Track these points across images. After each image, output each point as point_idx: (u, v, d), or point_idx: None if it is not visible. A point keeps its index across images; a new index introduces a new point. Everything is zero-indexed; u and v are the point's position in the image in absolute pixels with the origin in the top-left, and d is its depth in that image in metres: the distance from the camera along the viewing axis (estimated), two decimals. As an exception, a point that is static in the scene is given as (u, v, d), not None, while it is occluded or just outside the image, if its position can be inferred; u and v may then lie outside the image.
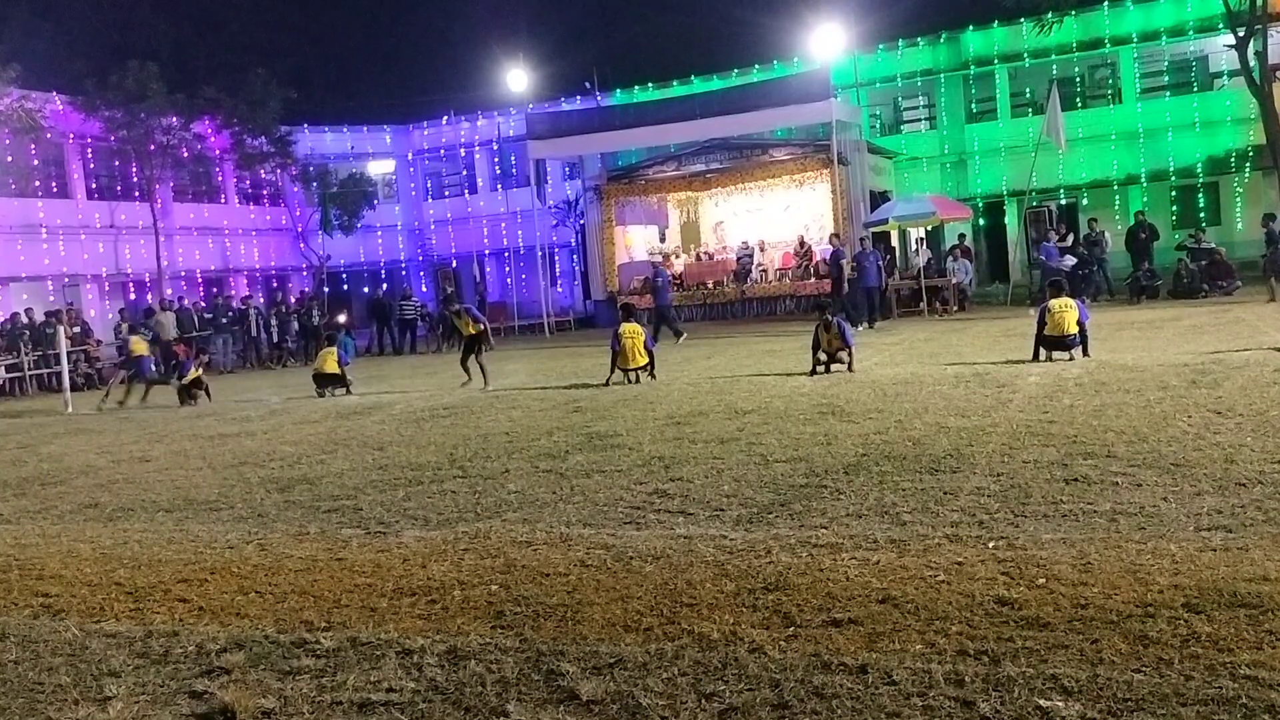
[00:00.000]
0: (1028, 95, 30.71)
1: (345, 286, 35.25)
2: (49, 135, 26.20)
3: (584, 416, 10.34)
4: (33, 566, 5.96)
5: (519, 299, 34.24)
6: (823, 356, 12.49)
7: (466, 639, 4.14)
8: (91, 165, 29.29)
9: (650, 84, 33.34)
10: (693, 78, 32.64)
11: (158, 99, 27.46)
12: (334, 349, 15.35)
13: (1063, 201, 29.40)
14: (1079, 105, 29.31)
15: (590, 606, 4.41)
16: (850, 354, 12.45)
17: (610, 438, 8.81)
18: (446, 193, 38.83)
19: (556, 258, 35.51)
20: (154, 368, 17.24)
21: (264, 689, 3.79)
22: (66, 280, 27.93)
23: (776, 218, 29.23)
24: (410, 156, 38.16)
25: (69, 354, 18.86)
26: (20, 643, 4.55)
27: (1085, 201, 28.99)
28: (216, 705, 3.68)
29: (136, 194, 29.63)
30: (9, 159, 26.74)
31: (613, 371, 13.15)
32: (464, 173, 38.46)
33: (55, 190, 28.33)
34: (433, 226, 38.11)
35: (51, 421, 14.95)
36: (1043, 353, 11.85)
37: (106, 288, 29.09)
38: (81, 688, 3.96)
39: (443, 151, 38.17)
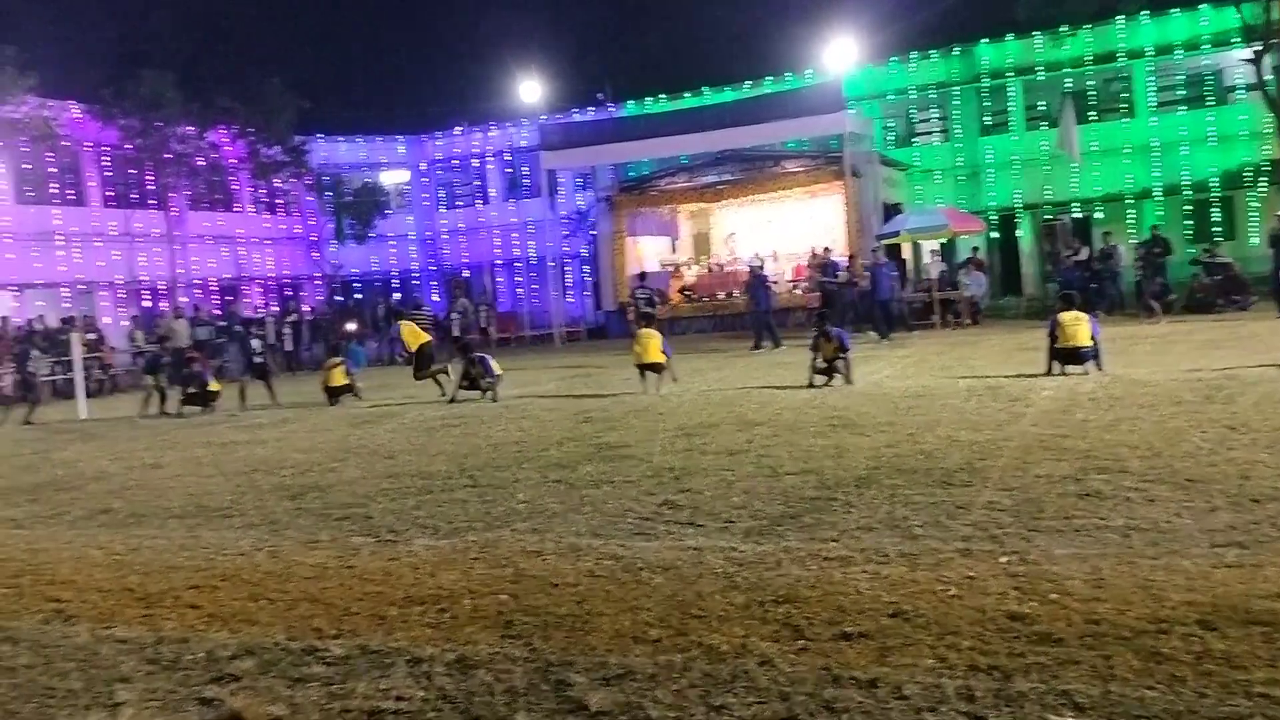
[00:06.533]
0: (1041, 108, 30.66)
1: (358, 295, 35.36)
2: (66, 143, 26.38)
3: (594, 427, 10.34)
4: (45, 572, 5.98)
5: (530, 309, 34.27)
6: (821, 364, 12.47)
7: (475, 648, 4.14)
8: (107, 173, 29.45)
9: (663, 95, 33.38)
10: (705, 89, 32.67)
11: (173, 108, 27.64)
12: (341, 360, 15.39)
13: (1076, 215, 29.30)
14: (1093, 118, 29.23)
15: (599, 617, 4.40)
16: (847, 364, 12.39)
17: (620, 448, 8.81)
18: (459, 203, 38.91)
19: (568, 268, 35.54)
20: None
21: (274, 696, 3.80)
22: (82, 287, 28.08)
23: (789, 229, 29.23)
24: (423, 166, 38.27)
25: (83, 361, 18.95)
26: (32, 648, 4.57)
27: (1099, 215, 28.89)
28: (226, 712, 3.68)
29: (152, 202, 29.79)
30: (26, 166, 26.94)
31: (643, 378, 13.24)
32: (476, 183, 38.54)
33: (71, 198, 28.48)
34: (445, 236, 38.20)
35: (66, 428, 15.02)
36: (1056, 366, 11.80)
37: (121, 295, 29.24)
38: (92, 693, 3.97)
39: (455, 162, 38.26)
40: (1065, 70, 29.01)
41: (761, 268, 27.90)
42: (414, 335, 15.69)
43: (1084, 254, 23.17)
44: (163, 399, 16.09)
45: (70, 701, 3.91)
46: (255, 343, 17.49)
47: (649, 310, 21.84)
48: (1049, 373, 11.74)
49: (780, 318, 26.72)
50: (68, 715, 3.78)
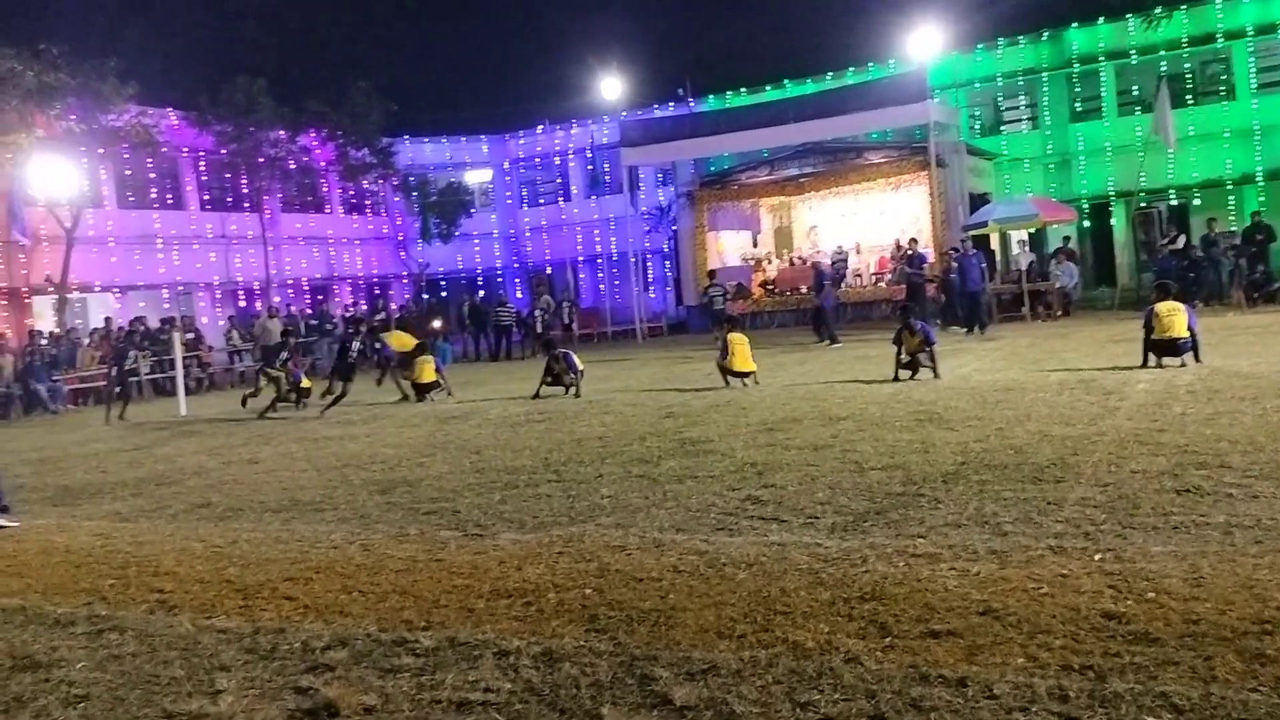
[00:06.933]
0: (1135, 93, 29.69)
1: (443, 294, 35.95)
2: (164, 149, 27.30)
3: (676, 422, 10.35)
4: (149, 563, 6.22)
5: (612, 305, 34.44)
6: (905, 357, 12.29)
7: (561, 641, 4.18)
8: (204, 178, 30.44)
9: (743, 89, 33.19)
10: (786, 82, 32.39)
11: (266, 113, 28.45)
12: (431, 357, 15.68)
13: (1173, 202, 28.33)
14: (1189, 102, 28.21)
15: (683, 612, 4.41)
16: (934, 357, 12.20)
17: (703, 443, 8.81)
18: (541, 200, 39.29)
19: (649, 264, 35.63)
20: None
21: (366, 686, 3.89)
22: (181, 288, 29.07)
23: (872, 221, 28.86)
24: (506, 165, 38.72)
25: (183, 360, 19.61)
26: (137, 636, 4.75)
27: (1197, 202, 27.88)
28: (321, 701, 3.78)
29: (246, 205, 30.71)
30: (128, 172, 28.01)
31: (726, 379, 13.21)
32: (558, 180, 38.88)
33: (170, 202, 29.49)
34: (528, 234, 38.61)
35: (166, 424, 15.57)
36: (1152, 358, 11.44)
37: (218, 295, 30.19)
38: (194, 681, 4.12)
39: (538, 160, 38.64)
40: (1160, 53, 28.05)
41: (842, 261, 27.69)
42: (401, 340, 17.15)
43: (1180, 242, 22.40)
44: (278, 395, 16.15)
45: (173, 688, 4.06)
46: (354, 344, 17.80)
47: (724, 304, 21.94)
48: (1144, 365, 11.39)
49: (864, 310, 26.44)
50: (171, 701, 3.93)
